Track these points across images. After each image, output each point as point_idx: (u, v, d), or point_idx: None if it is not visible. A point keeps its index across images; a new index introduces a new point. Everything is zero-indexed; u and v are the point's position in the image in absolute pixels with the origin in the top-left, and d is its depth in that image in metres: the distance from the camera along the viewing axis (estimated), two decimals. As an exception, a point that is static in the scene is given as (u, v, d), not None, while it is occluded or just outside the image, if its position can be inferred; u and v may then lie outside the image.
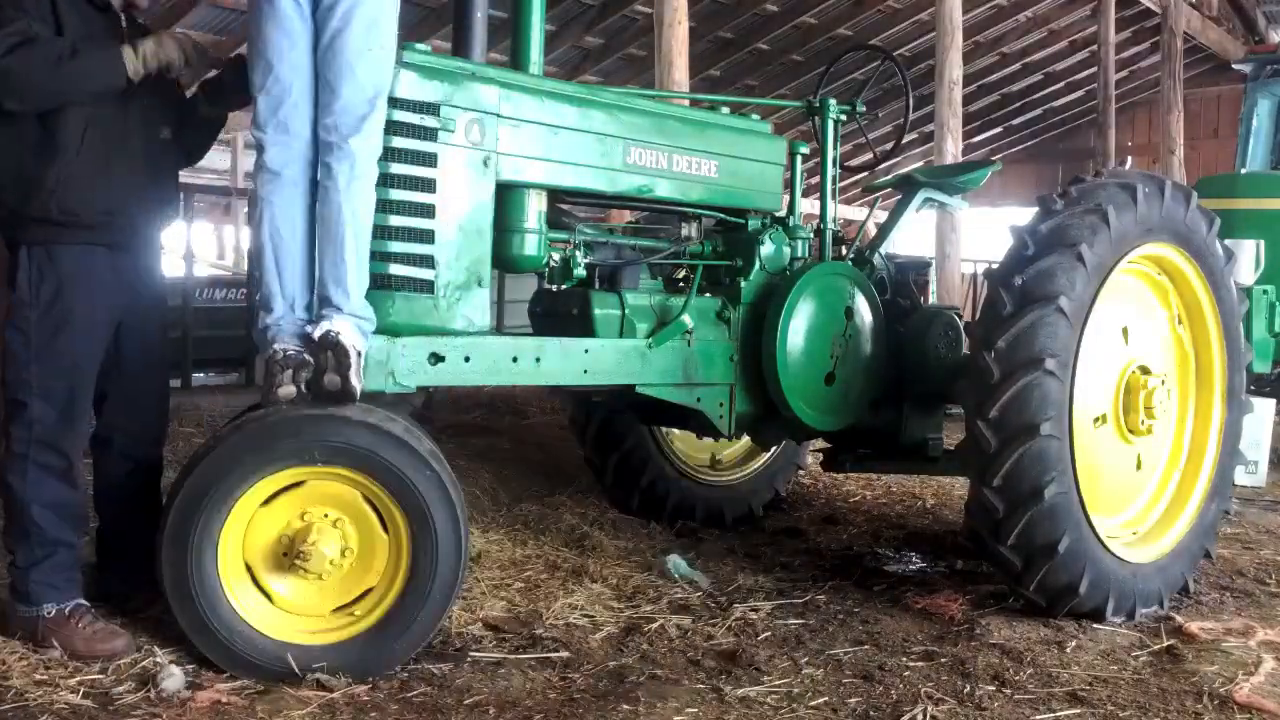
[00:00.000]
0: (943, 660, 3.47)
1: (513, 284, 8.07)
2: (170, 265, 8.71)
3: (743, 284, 4.24)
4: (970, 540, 4.07)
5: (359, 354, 3.09)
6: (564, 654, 3.39)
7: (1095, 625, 3.84)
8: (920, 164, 14.67)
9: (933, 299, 5.53)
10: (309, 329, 3.11)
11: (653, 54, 7.51)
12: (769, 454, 5.40)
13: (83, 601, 3.25)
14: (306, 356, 3.07)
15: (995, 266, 4.13)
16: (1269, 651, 3.65)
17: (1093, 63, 15.89)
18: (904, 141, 5.42)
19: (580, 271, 3.78)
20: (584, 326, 3.85)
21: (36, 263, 3.18)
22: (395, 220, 3.24)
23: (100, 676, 3.02)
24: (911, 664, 3.44)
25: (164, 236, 3.67)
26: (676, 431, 5.08)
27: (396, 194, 3.24)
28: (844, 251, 4.84)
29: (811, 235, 4.60)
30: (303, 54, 3.11)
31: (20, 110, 3.11)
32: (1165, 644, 3.70)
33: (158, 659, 3.09)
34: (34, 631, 3.19)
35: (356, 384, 3.07)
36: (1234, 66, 10.52)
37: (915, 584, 4.34)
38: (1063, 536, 3.72)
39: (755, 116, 4.72)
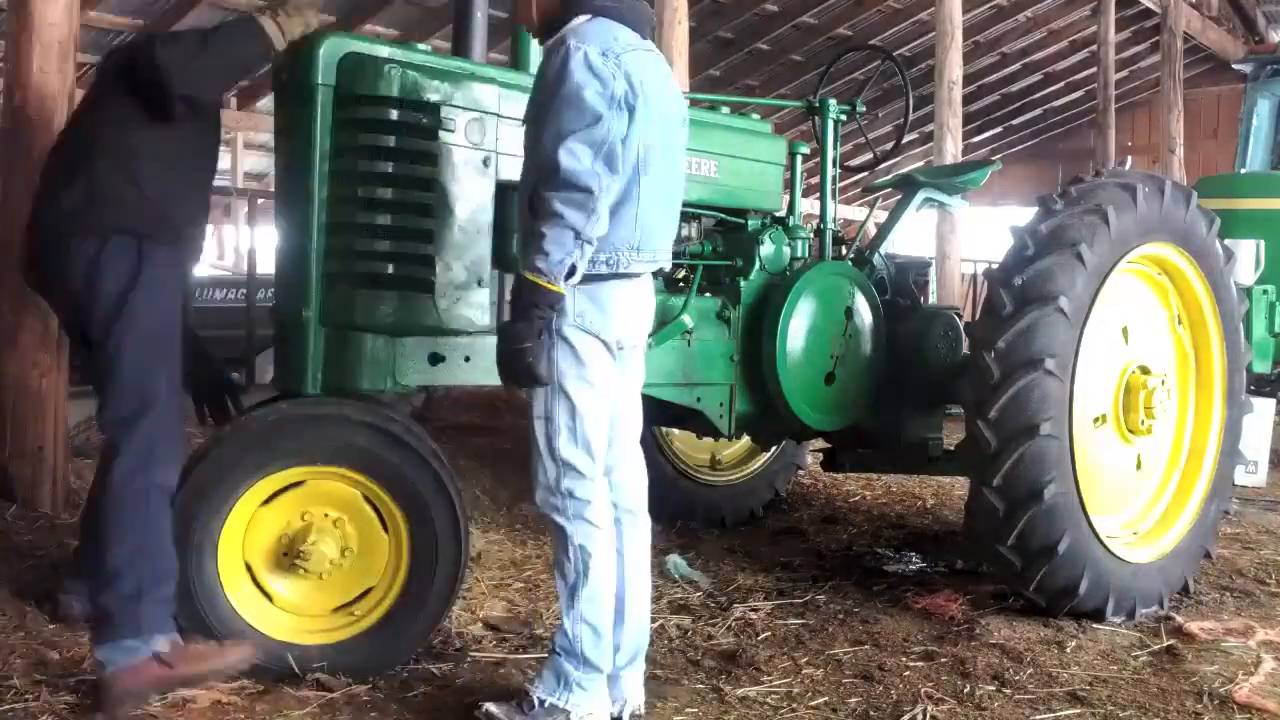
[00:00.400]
0: (943, 660, 3.47)
1: (513, 284, 8.05)
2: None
3: (743, 284, 4.24)
4: (970, 540, 4.06)
5: None
6: (564, 654, 3.38)
7: (1095, 625, 3.84)
8: (920, 164, 14.67)
9: (933, 299, 5.53)
10: None
11: (653, 54, 7.50)
12: (769, 454, 5.40)
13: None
14: None
15: (995, 266, 4.13)
16: (1269, 651, 3.65)
17: (1093, 63, 15.88)
18: (904, 141, 5.42)
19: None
20: (584, 326, 3.85)
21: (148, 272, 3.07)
22: (395, 220, 3.23)
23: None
24: (911, 664, 3.44)
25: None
26: (676, 431, 5.08)
27: (396, 194, 3.23)
28: (844, 251, 4.84)
29: (811, 235, 4.60)
30: None
31: (198, 98, 3.13)
32: (1165, 644, 3.70)
33: (158, 659, 3.09)
34: (141, 674, 2.83)
35: None
36: (1234, 66, 10.52)
37: (915, 584, 4.34)
38: (1062, 536, 3.72)
39: (755, 116, 4.72)
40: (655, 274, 4.17)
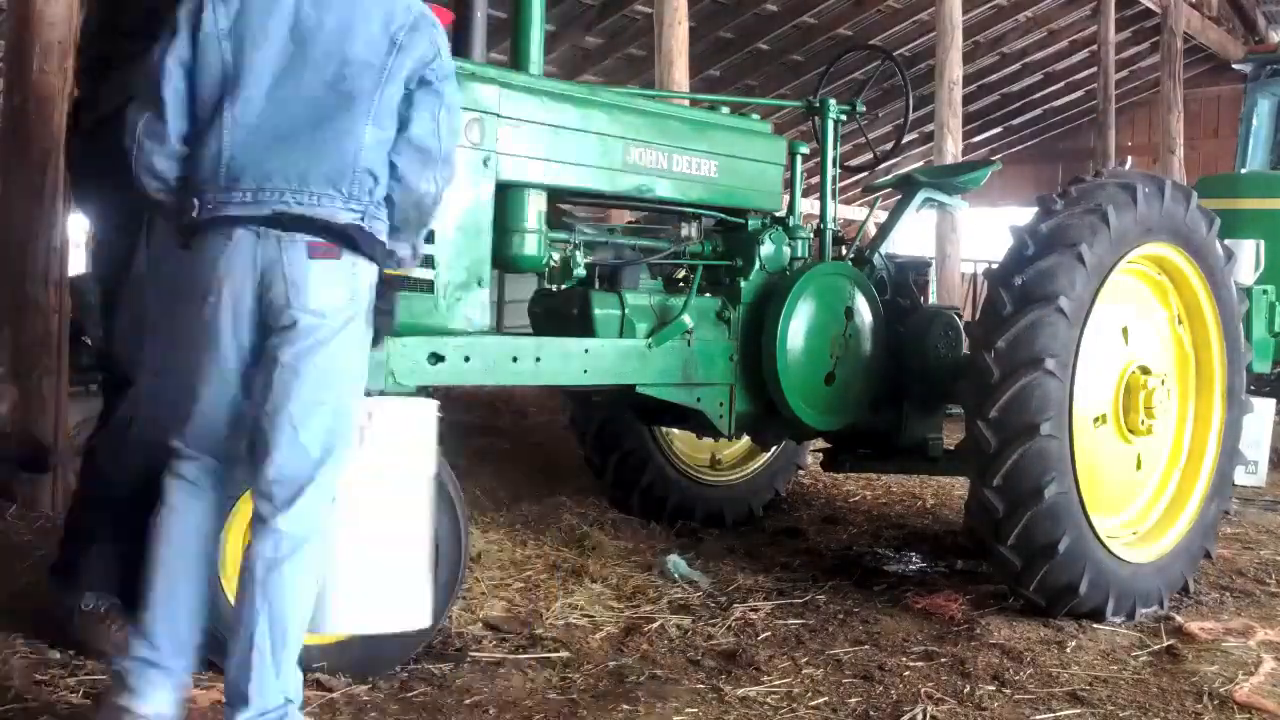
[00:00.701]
0: (943, 660, 3.47)
1: (513, 284, 8.06)
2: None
3: (743, 284, 4.24)
4: (970, 540, 4.07)
5: None
6: (564, 654, 3.39)
7: (1095, 625, 3.84)
8: (920, 164, 14.67)
9: (933, 299, 5.53)
10: None
11: (653, 54, 7.51)
12: (769, 454, 5.40)
13: (118, 601, 3.14)
14: None
15: (995, 266, 4.13)
16: (1269, 651, 3.65)
17: (1093, 63, 15.87)
18: (904, 141, 5.42)
19: (580, 271, 3.78)
20: (584, 326, 3.85)
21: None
22: (395, 220, 3.22)
23: (101, 676, 3.01)
24: (911, 664, 3.44)
25: None
26: (676, 431, 5.08)
27: (396, 194, 3.23)
28: (844, 251, 4.84)
29: (811, 235, 4.60)
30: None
31: None
32: (1165, 644, 3.70)
33: (158, 659, 3.09)
34: (66, 622, 3.11)
35: None
36: (1234, 66, 10.54)
37: (915, 584, 4.34)
38: (1063, 536, 3.72)
39: (755, 116, 4.72)
40: (656, 275, 4.23)
